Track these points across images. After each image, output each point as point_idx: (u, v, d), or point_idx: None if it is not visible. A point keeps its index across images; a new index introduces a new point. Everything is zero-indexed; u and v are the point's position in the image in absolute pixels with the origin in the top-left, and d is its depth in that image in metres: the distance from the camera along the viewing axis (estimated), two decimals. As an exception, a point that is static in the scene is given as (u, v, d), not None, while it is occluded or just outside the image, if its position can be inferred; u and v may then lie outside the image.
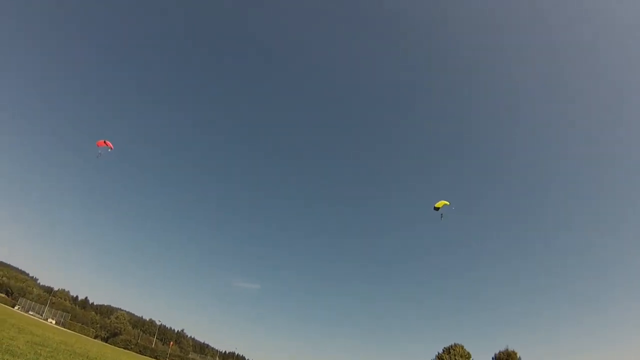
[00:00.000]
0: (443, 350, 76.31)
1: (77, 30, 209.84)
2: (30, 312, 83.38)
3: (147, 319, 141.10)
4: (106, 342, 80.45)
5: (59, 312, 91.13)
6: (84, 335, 75.88)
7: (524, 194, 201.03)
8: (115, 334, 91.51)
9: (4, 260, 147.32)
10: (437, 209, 30.68)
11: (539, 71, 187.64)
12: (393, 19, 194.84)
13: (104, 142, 34.05)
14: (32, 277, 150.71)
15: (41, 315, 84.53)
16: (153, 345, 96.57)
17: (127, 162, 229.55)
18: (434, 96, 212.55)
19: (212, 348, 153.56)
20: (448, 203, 30.65)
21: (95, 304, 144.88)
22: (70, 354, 16.80)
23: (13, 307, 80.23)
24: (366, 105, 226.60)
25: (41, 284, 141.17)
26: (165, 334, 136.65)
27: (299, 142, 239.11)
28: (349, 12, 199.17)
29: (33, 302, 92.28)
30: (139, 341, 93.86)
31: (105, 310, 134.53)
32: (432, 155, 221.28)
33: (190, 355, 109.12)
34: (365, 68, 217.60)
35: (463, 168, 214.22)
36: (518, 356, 70.09)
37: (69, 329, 76.68)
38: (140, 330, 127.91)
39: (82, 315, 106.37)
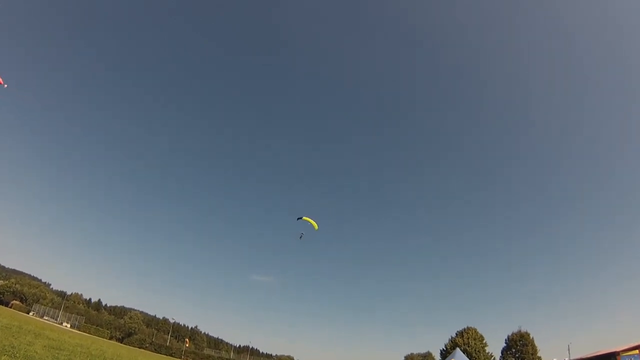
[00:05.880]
0: (456, 334, 76.57)
1: (78, 30, 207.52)
2: (45, 317, 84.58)
3: (161, 318, 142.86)
4: (121, 343, 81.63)
5: (73, 315, 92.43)
6: (99, 336, 76.84)
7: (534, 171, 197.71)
8: (129, 334, 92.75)
9: (17, 268, 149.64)
10: (300, 219, 29.17)
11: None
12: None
13: None
14: (45, 282, 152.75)
15: (56, 320, 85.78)
16: (168, 343, 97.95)
17: (136, 161, 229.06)
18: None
19: (227, 343, 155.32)
20: (316, 227, 29.28)
21: (108, 305, 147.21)
22: (87, 356, 16.93)
23: (28, 313, 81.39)
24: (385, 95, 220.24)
25: (54, 288, 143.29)
26: (179, 331, 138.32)
27: (314, 137, 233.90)
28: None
29: (47, 307, 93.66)
30: (153, 340, 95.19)
31: (119, 311, 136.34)
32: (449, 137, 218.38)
33: (205, 351, 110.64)
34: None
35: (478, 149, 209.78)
36: (531, 337, 70.44)
37: (84, 331, 77.69)
38: (155, 329, 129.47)
39: (96, 317, 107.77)
